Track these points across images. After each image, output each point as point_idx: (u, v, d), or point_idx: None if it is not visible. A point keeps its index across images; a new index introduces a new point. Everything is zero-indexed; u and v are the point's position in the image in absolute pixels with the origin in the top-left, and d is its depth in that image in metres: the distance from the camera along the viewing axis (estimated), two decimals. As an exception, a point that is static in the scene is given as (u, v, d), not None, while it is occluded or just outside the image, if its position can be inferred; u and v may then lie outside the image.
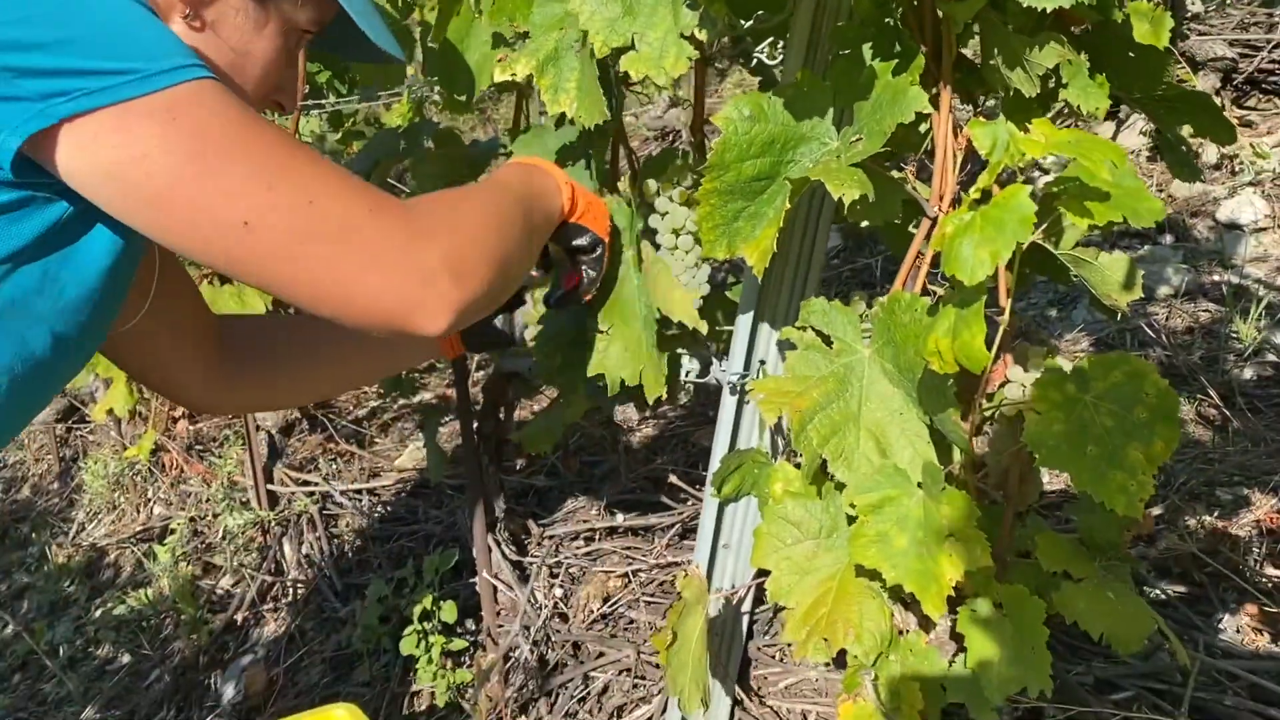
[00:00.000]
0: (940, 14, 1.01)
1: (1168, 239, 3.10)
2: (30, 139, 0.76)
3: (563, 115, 1.20)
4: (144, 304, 1.08)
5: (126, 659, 2.38)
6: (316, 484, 2.69)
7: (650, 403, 1.29)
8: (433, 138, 1.81)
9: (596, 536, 2.06)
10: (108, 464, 3.10)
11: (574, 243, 1.21)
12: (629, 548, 2.00)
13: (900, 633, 1.06)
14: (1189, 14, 3.60)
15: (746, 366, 1.30)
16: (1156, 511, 1.88)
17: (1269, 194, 3.14)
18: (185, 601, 2.38)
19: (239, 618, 2.35)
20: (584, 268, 1.24)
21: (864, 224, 1.14)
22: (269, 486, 2.67)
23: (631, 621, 1.83)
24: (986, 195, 0.87)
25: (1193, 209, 3.20)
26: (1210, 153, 3.37)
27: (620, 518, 2.09)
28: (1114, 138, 3.28)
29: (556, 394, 1.89)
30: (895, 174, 1.05)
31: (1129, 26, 0.97)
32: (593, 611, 1.86)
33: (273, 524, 2.61)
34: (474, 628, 1.97)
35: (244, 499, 2.72)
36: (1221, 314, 2.64)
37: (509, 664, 1.79)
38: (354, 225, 0.84)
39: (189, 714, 2.13)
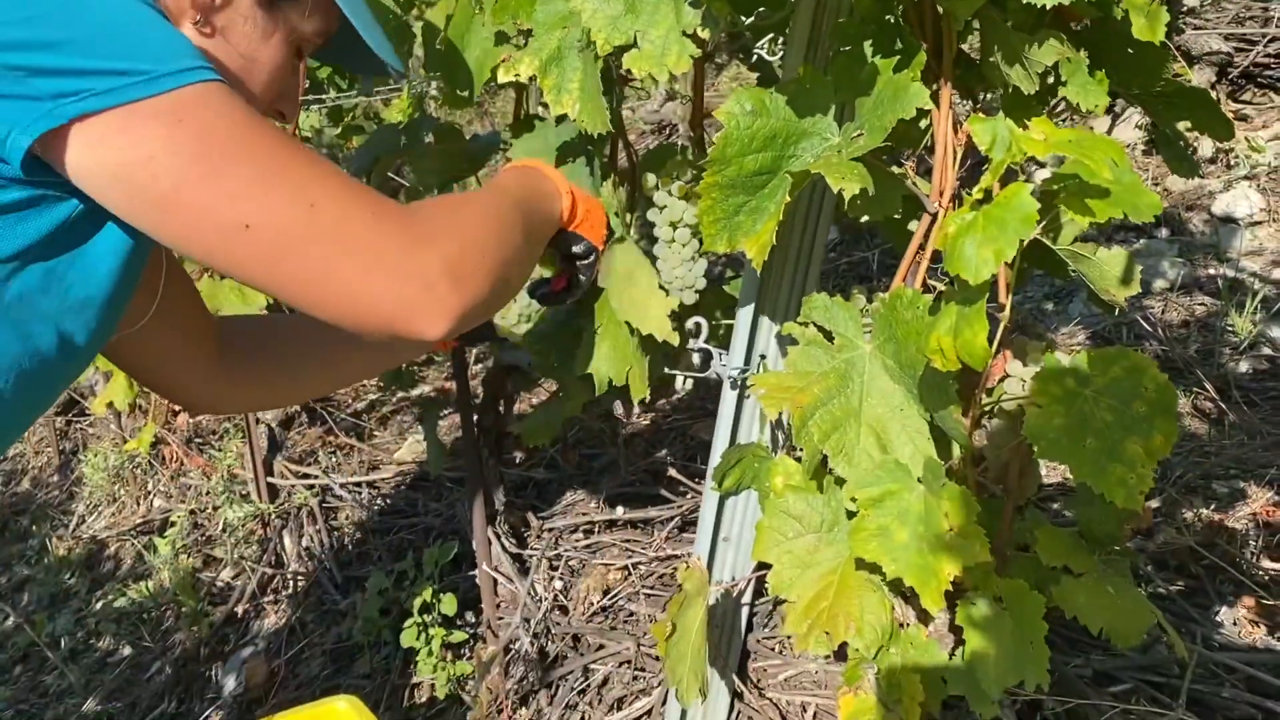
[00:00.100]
0: (941, 11, 1.02)
1: (1163, 233, 3.10)
2: (40, 138, 0.76)
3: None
4: (151, 306, 1.07)
5: (127, 651, 2.39)
6: (316, 477, 2.70)
7: (635, 403, 1.29)
8: (433, 132, 1.80)
9: (596, 529, 2.07)
10: (108, 457, 3.10)
11: (570, 250, 1.21)
12: (628, 540, 2.01)
13: (901, 626, 1.07)
14: (1184, 8, 3.60)
15: (747, 361, 1.30)
16: (1154, 505, 1.89)
17: (1264, 188, 3.15)
18: (186, 594, 2.39)
19: (239, 610, 2.36)
20: (577, 273, 1.24)
21: (863, 219, 1.15)
22: (269, 479, 2.68)
23: (631, 614, 1.84)
24: (988, 194, 0.87)
25: (1188, 203, 3.20)
26: (1205, 147, 3.37)
27: (620, 511, 2.09)
28: (1110, 131, 3.29)
29: (555, 387, 1.90)
30: (895, 169, 1.05)
31: (1128, 23, 0.97)
32: (592, 604, 1.87)
33: (273, 517, 2.62)
34: (474, 620, 1.98)
35: (244, 492, 2.73)
36: (1217, 307, 2.65)
37: (509, 656, 1.80)
38: (355, 229, 0.84)
39: (190, 706, 2.14)
